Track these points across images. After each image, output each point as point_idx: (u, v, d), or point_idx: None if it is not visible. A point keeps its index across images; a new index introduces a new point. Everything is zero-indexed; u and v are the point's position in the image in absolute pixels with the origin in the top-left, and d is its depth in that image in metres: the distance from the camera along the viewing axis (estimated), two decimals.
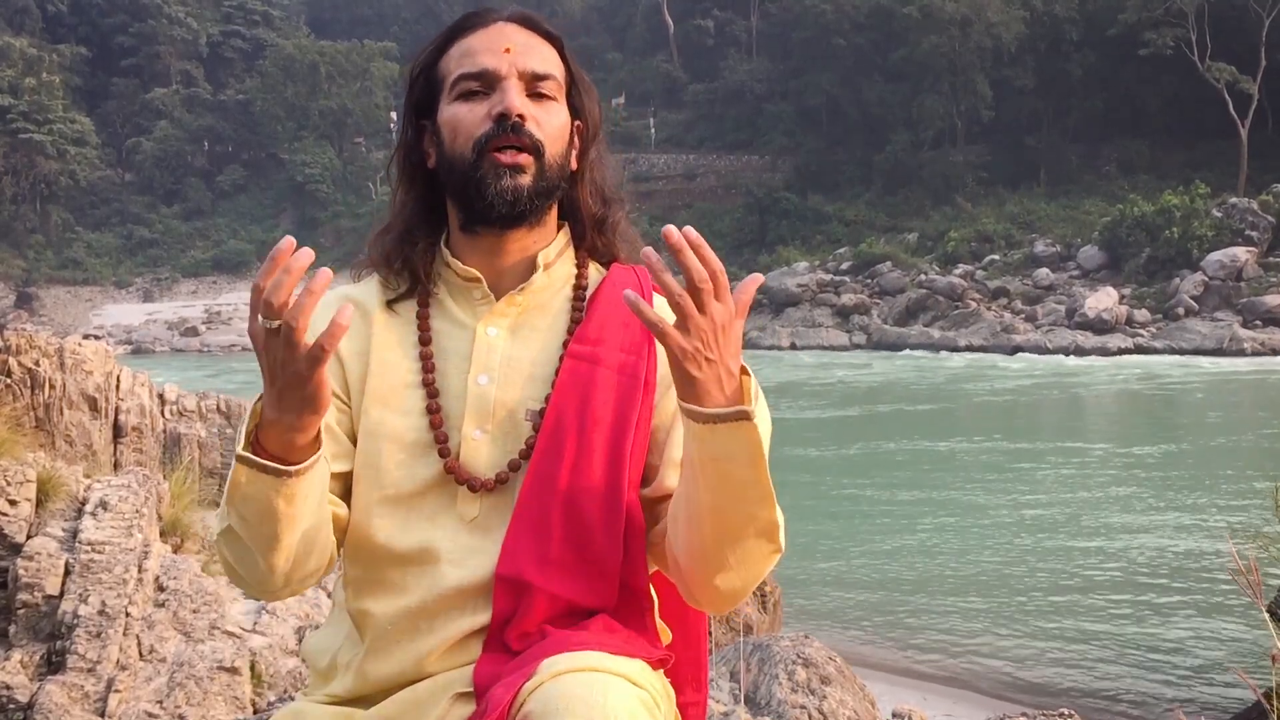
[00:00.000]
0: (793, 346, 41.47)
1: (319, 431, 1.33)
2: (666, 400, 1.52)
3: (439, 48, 1.55)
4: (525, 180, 1.47)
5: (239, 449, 1.33)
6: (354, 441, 1.51)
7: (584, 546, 1.41)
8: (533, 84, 1.50)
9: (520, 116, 1.47)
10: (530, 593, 1.39)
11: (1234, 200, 42.05)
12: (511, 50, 1.50)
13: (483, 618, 1.41)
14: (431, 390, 1.49)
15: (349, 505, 1.49)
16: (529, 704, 1.19)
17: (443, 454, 1.46)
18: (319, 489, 1.37)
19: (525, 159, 1.47)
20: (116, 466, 8.09)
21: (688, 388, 1.28)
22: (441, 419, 1.48)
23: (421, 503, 1.47)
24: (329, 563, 1.48)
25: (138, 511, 4.24)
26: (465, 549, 1.44)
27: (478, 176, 1.47)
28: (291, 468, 1.31)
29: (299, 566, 1.41)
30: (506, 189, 1.46)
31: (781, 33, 63.42)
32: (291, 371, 1.24)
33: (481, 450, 1.47)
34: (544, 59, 1.52)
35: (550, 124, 1.50)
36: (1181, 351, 34.85)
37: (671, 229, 1.23)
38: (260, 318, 1.23)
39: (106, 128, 68.98)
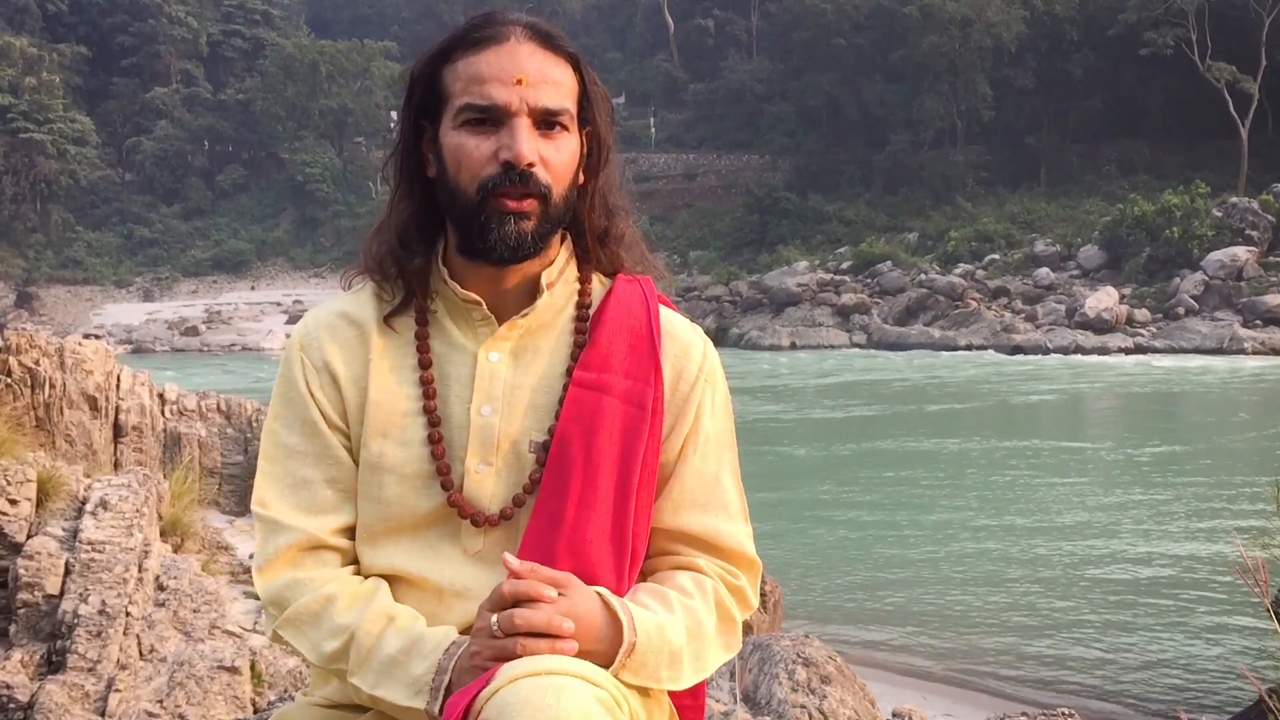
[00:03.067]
0: (793, 346, 41.46)
1: None
2: (674, 436, 1.50)
3: (444, 53, 1.46)
4: (529, 225, 1.41)
5: (435, 709, 1.32)
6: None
7: (590, 580, 1.38)
8: (544, 117, 1.43)
9: (530, 165, 1.40)
10: None
11: (1234, 200, 42.06)
12: (524, 82, 1.41)
13: None
14: (433, 418, 1.45)
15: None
16: (485, 711, 1.19)
17: (445, 486, 1.43)
18: None
19: (531, 205, 1.41)
20: (117, 466, 8.09)
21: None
22: (444, 449, 1.44)
23: (425, 534, 1.45)
24: None
25: (138, 511, 4.24)
26: (469, 582, 1.43)
27: (481, 220, 1.41)
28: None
29: None
30: (510, 235, 1.40)
31: (781, 33, 63.41)
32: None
33: (486, 484, 1.44)
34: (557, 91, 1.44)
35: (559, 161, 1.43)
36: (1182, 351, 34.85)
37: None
38: (494, 618, 1.29)
39: (106, 127, 68.90)
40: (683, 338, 1.54)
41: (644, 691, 1.37)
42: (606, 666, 1.29)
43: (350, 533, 1.47)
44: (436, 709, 1.31)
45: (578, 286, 1.53)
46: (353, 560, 1.48)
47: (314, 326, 1.54)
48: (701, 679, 1.43)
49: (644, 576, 1.50)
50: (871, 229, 51.04)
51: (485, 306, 1.48)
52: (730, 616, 1.46)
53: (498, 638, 1.27)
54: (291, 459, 1.48)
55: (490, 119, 1.41)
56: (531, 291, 1.49)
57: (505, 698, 1.18)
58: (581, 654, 1.28)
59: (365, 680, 1.37)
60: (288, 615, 1.43)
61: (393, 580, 1.45)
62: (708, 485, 1.50)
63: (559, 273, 1.51)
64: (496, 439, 1.45)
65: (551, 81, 1.43)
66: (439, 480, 1.43)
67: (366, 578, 1.46)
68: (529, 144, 1.40)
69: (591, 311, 1.52)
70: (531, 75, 1.42)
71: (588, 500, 1.41)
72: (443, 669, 1.33)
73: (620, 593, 1.41)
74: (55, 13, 73.38)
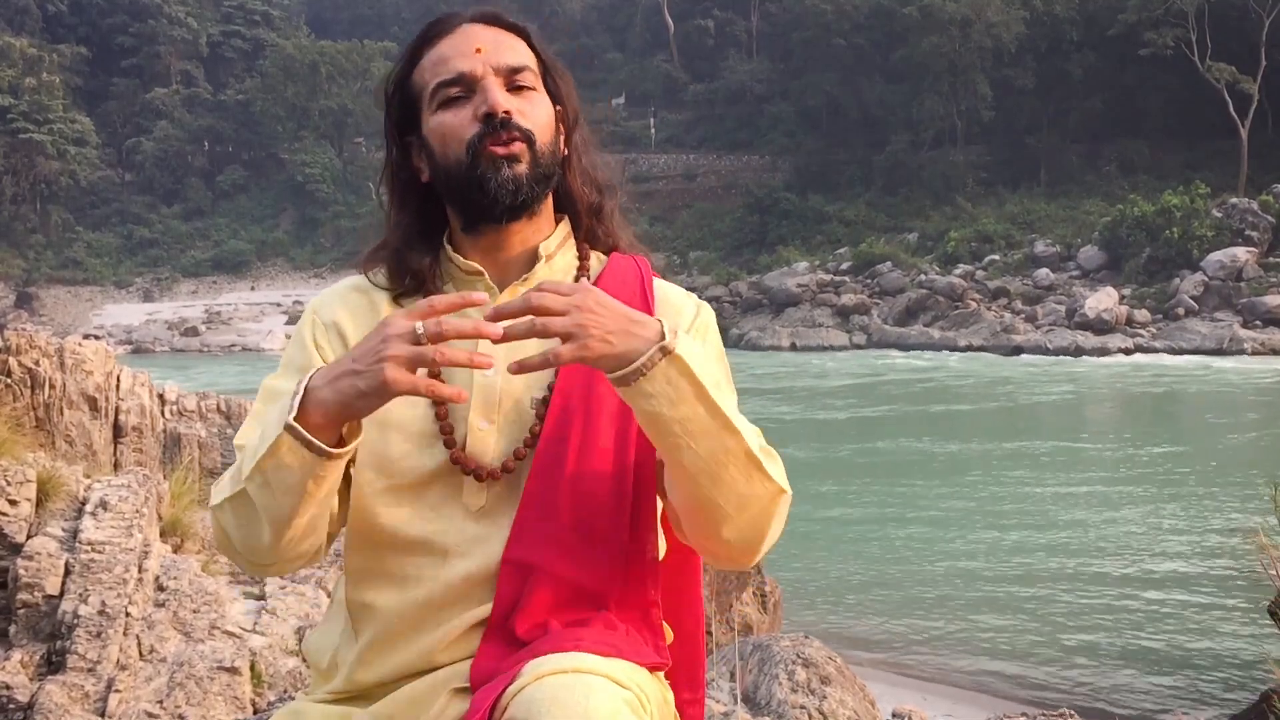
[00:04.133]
0: (793, 347, 41.45)
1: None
2: None
3: (409, 61, 1.56)
4: (522, 168, 1.48)
5: (290, 418, 1.32)
6: None
7: (591, 528, 1.43)
8: (510, 78, 1.51)
9: (507, 112, 1.48)
10: (536, 576, 1.40)
11: (1234, 200, 42.04)
12: (483, 50, 1.50)
13: (488, 609, 1.42)
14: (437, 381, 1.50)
15: (349, 496, 1.50)
16: (512, 708, 1.20)
17: (448, 444, 1.47)
18: (340, 475, 1.40)
19: (519, 147, 1.48)
20: (116, 466, 8.09)
21: (613, 367, 1.30)
22: (447, 410, 1.48)
23: (427, 492, 1.47)
24: (317, 552, 1.48)
25: (138, 511, 4.24)
26: (472, 539, 1.44)
27: (477, 174, 1.47)
28: (335, 450, 1.34)
29: (294, 546, 1.43)
30: (507, 179, 1.47)
31: (781, 33, 63.40)
32: (383, 381, 1.28)
33: (489, 441, 1.48)
34: (515, 51, 1.53)
35: (536, 114, 1.51)
36: (1181, 351, 34.83)
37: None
38: (419, 324, 1.28)
39: (106, 128, 68.89)
40: (676, 301, 1.61)
41: (663, 698, 1.40)
42: (637, 355, 1.29)
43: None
44: (291, 418, 1.32)
45: (576, 261, 1.60)
46: None
47: (329, 294, 1.63)
48: (744, 445, 1.35)
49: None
50: (871, 229, 51.02)
51: (488, 278, 1.54)
52: (772, 454, 1.42)
53: (420, 344, 1.28)
54: (279, 400, 1.51)
55: (462, 91, 1.50)
56: (531, 263, 1.56)
57: (532, 694, 1.19)
58: (611, 333, 1.28)
59: (252, 457, 1.37)
60: (216, 486, 1.46)
61: (396, 541, 1.46)
62: None
63: (557, 245, 1.59)
64: (498, 398, 1.49)
65: (508, 45, 1.54)
66: (442, 439, 1.47)
67: (370, 535, 1.48)
68: (501, 94, 1.49)
69: (590, 283, 1.57)
70: (488, 43, 1.52)
71: (588, 448, 1.45)
72: (300, 385, 1.34)
73: (622, 539, 1.45)
74: (55, 13, 73.37)
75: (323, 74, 67.89)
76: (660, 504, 1.52)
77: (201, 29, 75.29)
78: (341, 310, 1.57)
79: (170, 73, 73.63)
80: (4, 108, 59.55)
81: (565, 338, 1.27)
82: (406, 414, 1.48)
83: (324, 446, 1.32)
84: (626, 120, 64.86)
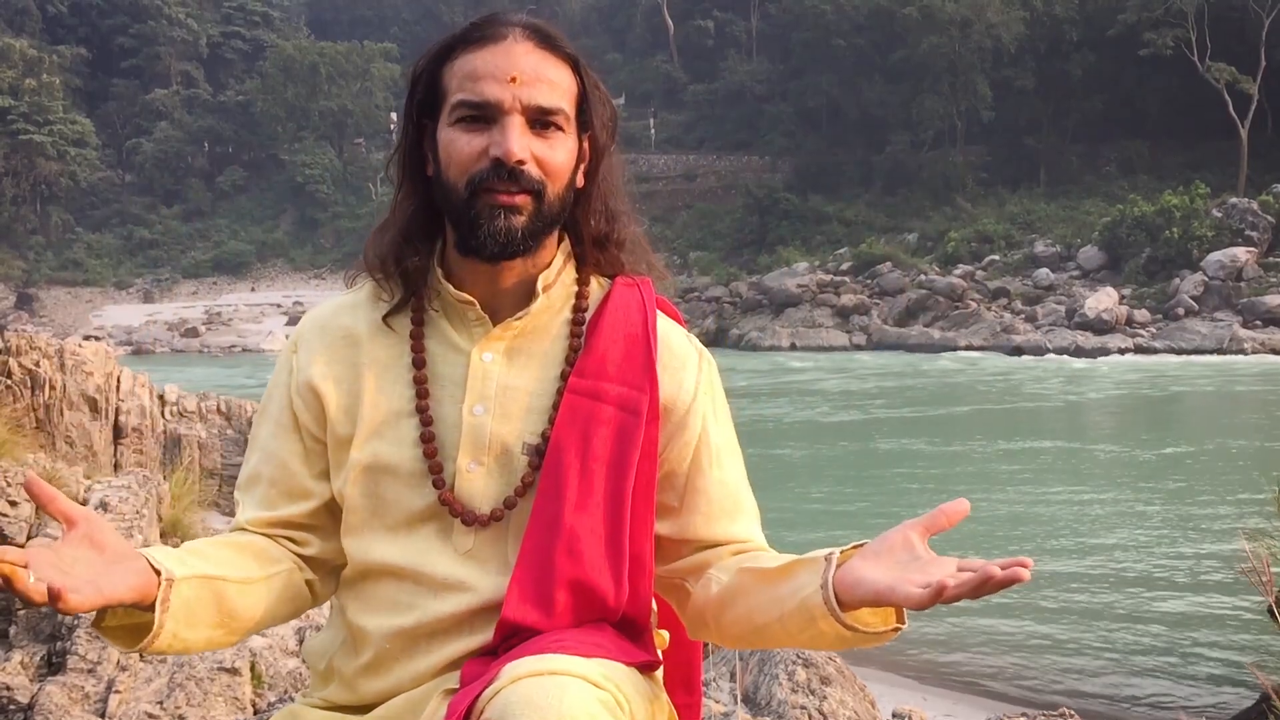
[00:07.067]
0: (793, 347, 41.44)
1: (153, 598, 1.29)
2: (675, 445, 1.50)
3: (445, 51, 1.45)
4: (520, 221, 1.41)
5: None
6: (324, 476, 1.51)
7: (589, 592, 1.39)
8: (537, 115, 1.42)
9: (520, 162, 1.39)
10: (532, 633, 1.38)
11: (1234, 200, 42.04)
12: (518, 80, 1.40)
13: (479, 639, 1.40)
14: (425, 419, 1.45)
15: (324, 534, 1.52)
16: (488, 711, 1.19)
17: (437, 485, 1.44)
18: (195, 621, 1.35)
19: (523, 199, 1.40)
20: (117, 467, 8.09)
21: (873, 601, 1.34)
22: (436, 449, 1.44)
23: (418, 530, 1.45)
24: (303, 606, 1.52)
25: (138, 512, 4.24)
26: (461, 578, 1.42)
27: (471, 214, 1.41)
28: (133, 650, 1.34)
29: (243, 633, 1.45)
30: (499, 230, 1.40)
31: (781, 33, 63.39)
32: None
33: (477, 483, 1.44)
34: (552, 90, 1.42)
35: (553, 159, 1.42)
36: (1181, 351, 34.84)
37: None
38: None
39: (107, 129, 68.94)
40: (680, 349, 1.54)
41: (651, 696, 1.38)
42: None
43: (276, 524, 1.51)
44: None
45: (575, 289, 1.52)
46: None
47: (309, 326, 1.56)
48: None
49: (680, 577, 1.53)
50: (871, 230, 51.00)
51: (479, 307, 1.47)
52: None
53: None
54: (255, 452, 1.55)
55: (484, 116, 1.41)
56: (528, 293, 1.48)
57: (507, 697, 1.18)
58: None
59: None
60: None
61: (386, 574, 1.45)
62: (731, 494, 1.52)
63: (556, 275, 1.50)
64: (488, 439, 1.44)
65: (546, 80, 1.42)
66: (431, 479, 1.44)
67: (364, 567, 1.47)
68: (519, 141, 1.40)
69: (588, 315, 1.50)
70: (526, 73, 1.41)
71: (583, 505, 1.40)
72: None
73: (620, 601, 1.41)
74: (55, 14, 73.37)
75: (323, 75, 67.89)
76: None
77: (201, 30, 75.30)
78: (320, 348, 1.52)
79: (170, 74, 73.64)
80: (4, 109, 59.57)
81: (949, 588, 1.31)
82: (393, 454, 1.45)
83: (122, 648, 1.35)
84: (626, 120, 64.66)
